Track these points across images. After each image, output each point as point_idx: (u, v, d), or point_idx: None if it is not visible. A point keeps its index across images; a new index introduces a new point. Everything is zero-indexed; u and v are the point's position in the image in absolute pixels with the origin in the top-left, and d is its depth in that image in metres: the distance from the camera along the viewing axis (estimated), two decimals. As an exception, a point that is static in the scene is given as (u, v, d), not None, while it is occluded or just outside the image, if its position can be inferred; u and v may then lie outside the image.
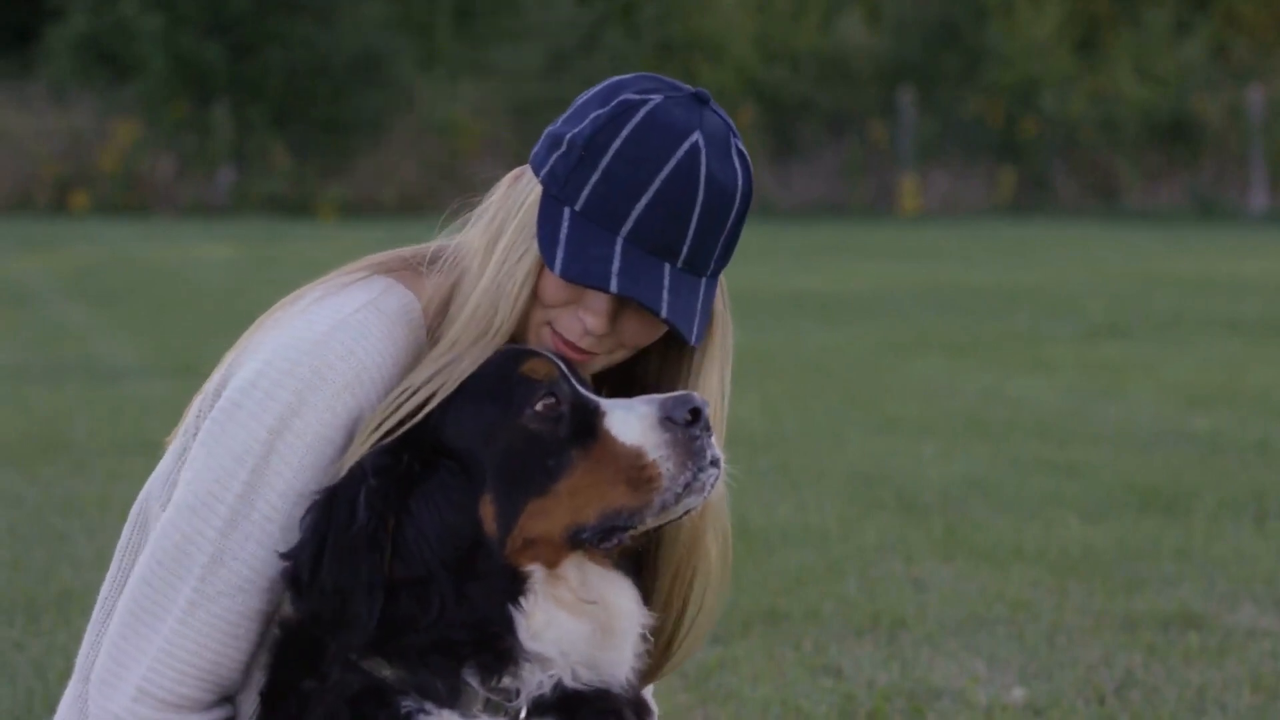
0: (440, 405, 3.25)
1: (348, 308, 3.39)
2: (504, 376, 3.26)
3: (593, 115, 3.36)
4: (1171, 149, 40.75)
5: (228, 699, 3.39)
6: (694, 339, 3.38)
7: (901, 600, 6.99)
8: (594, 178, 3.32)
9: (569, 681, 3.22)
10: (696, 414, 3.19)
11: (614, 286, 3.29)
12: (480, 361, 3.31)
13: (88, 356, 15.00)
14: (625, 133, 3.33)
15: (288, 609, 3.37)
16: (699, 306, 3.39)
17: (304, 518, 3.25)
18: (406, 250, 3.54)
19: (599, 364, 3.45)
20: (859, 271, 24.04)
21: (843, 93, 41.88)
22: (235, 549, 3.30)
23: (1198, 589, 7.12)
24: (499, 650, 3.18)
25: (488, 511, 3.19)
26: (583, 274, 3.29)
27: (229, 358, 3.50)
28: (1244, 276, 22.67)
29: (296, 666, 3.28)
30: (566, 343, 3.39)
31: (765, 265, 25.38)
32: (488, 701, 3.20)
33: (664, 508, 3.19)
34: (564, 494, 3.18)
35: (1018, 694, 5.85)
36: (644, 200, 3.31)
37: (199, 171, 40.35)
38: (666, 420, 3.18)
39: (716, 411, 3.48)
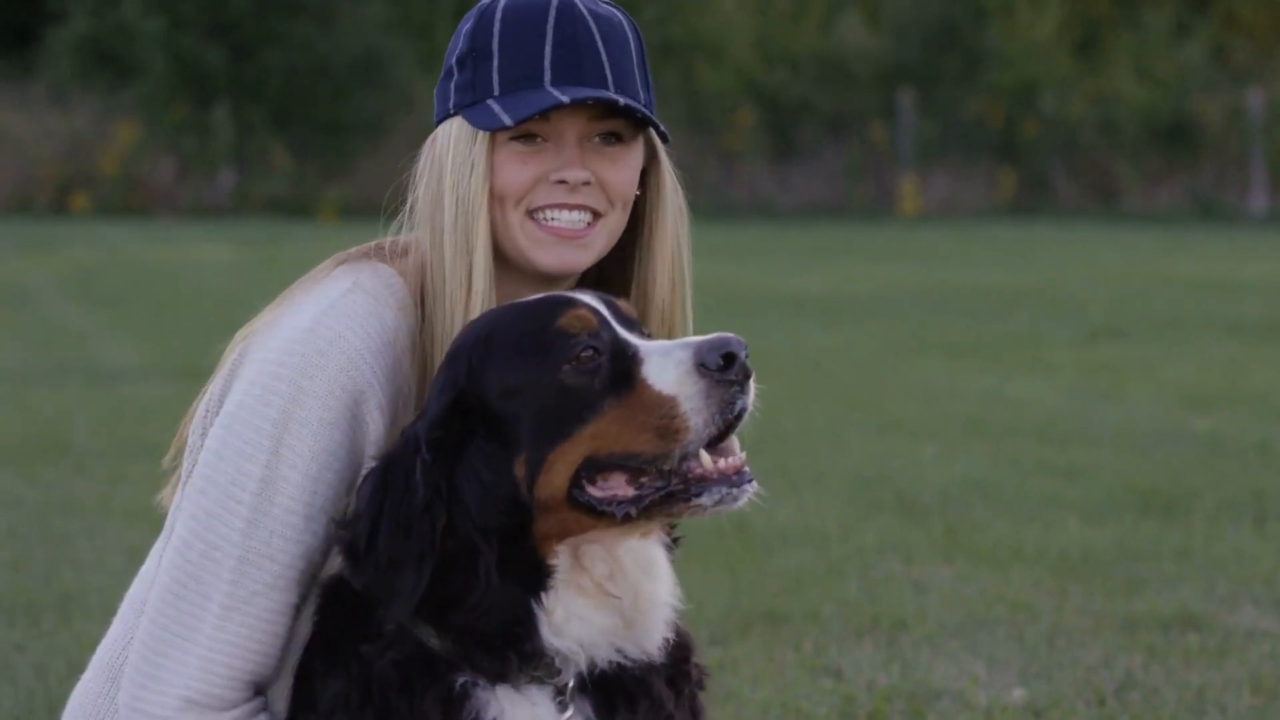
0: (482, 367, 3.26)
1: (332, 294, 3.42)
2: (542, 332, 3.25)
3: (463, 31, 3.47)
4: (1171, 151, 40.76)
5: (260, 687, 3.41)
6: (662, 127, 3.46)
7: (901, 601, 7.00)
8: (495, 64, 3.42)
9: (599, 663, 3.24)
10: (730, 359, 3.17)
11: (566, 99, 3.36)
12: (473, 280, 3.38)
13: (88, 358, 15.00)
14: (498, 18, 3.44)
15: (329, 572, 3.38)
16: (646, 111, 3.45)
17: (361, 486, 3.27)
18: (368, 245, 3.56)
19: (600, 241, 3.48)
20: (859, 273, 24.05)
21: (843, 94, 41.88)
22: (260, 547, 3.32)
23: (1197, 590, 7.13)
24: (525, 649, 3.22)
25: (520, 470, 3.19)
26: (533, 105, 3.37)
27: (222, 371, 3.50)
28: (1243, 278, 22.67)
29: (349, 627, 3.30)
30: (559, 228, 3.44)
31: (765, 266, 25.38)
32: (533, 676, 3.24)
33: (683, 458, 3.17)
34: (588, 437, 3.18)
35: (1017, 695, 5.86)
36: (547, 51, 3.41)
37: (199, 173, 40.35)
38: (701, 367, 3.17)
39: (676, 263, 3.55)
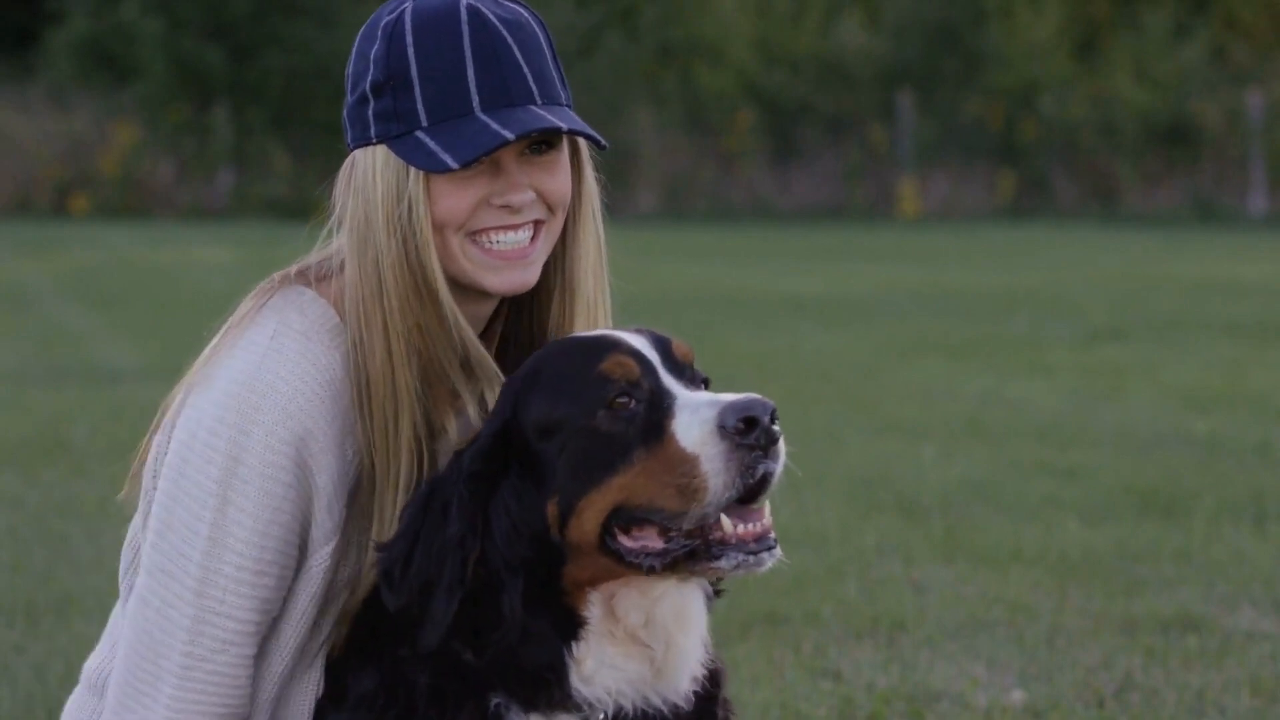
0: (526, 401, 3.27)
1: (261, 342, 3.39)
2: (583, 374, 3.25)
3: (373, 56, 3.41)
4: (1171, 152, 40.77)
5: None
6: (603, 140, 3.41)
7: (901, 603, 7.00)
8: (417, 93, 3.35)
9: (626, 708, 3.26)
10: (751, 423, 3.13)
11: (510, 134, 3.29)
12: (407, 318, 3.33)
13: (88, 359, 15.01)
14: (409, 41, 3.37)
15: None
16: (582, 124, 3.40)
17: (405, 508, 3.29)
18: (289, 269, 3.53)
19: (544, 254, 3.45)
20: (859, 274, 24.05)
21: (842, 96, 41.89)
22: (214, 605, 3.34)
23: (1197, 591, 7.12)
24: (553, 694, 3.24)
25: (553, 511, 3.21)
26: (478, 148, 3.30)
27: (167, 421, 3.49)
28: (1243, 279, 22.67)
29: (386, 626, 3.32)
30: (505, 250, 3.39)
31: (765, 268, 25.38)
32: (565, 705, 3.25)
33: (704, 518, 3.17)
34: (616, 487, 3.18)
35: (1017, 696, 5.86)
36: (470, 73, 3.34)
37: (199, 174, 40.35)
38: (722, 428, 3.14)
39: (597, 268, 3.51)
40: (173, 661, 3.35)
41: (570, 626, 3.22)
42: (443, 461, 3.38)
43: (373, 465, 3.39)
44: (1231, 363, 14.36)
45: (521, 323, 3.55)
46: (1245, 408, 11.92)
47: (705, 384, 3.36)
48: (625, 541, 3.19)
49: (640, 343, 3.29)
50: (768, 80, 42.07)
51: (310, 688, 3.47)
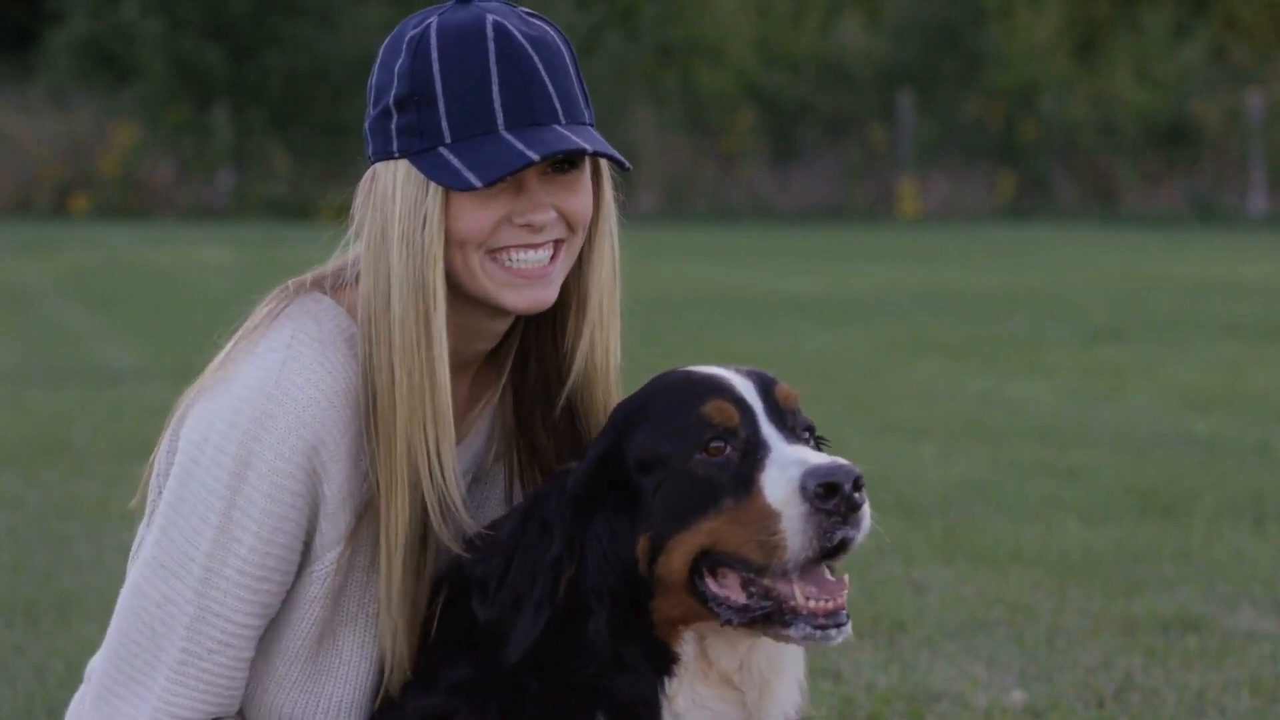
0: (630, 432, 3.30)
1: (277, 348, 3.38)
2: (685, 414, 3.28)
3: (397, 70, 3.38)
4: (1171, 152, 40.77)
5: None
6: (626, 163, 3.41)
7: (901, 603, 7.00)
8: (441, 108, 3.33)
9: None
10: (832, 489, 3.15)
11: (535, 155, 3.28)
12: (428, 339, 3.31)
13: (88, 359, 15.01)
14: (435, 57, 3.34)
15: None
16: (606, 145, 3.39)
17: (504, 520, 3.32)
18: (305, 276, 3.52)
19: (564, 272, 3.44)
20: (858, 274, 24.05)
21: (842, 96, 41.89)
22: (215, 606, 3.35)
23: (1197, 591, 7.12)
24: None
25: (644, 546, 3.24)
26: (501, 168, 3.29)
27: (174, 425, 3.49)
28: (1243, 279, 22.67)
29: (475, 623, 3.33)
30: (525, 269, 3.38)
31: (765, 268, 25.38)
32: None
33: (784, 574, 3.19)
34: (705, 531, 3.21)
35: (1017, 696, 5.85)
36: (495, 91, 3.32)
37: (199, 174, 40.35)
38: (804, 490, 3.16)
39: (610, 288, 3.49)
40: (170, 655, 3.35)
41: (664, 662, 3.25)
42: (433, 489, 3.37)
43: (377, 482, 3.38)
44: (1231, 363, 14.36)
45: (543, 340, 3.55)
46: (1245, 408, 11.92)
47: (810, 430, 3.36)
48: (712, 586, 3.22)
49: (745, 387, 3.32)
50: (768, 80, 42.06)
51: (332, 702, 3.47)
